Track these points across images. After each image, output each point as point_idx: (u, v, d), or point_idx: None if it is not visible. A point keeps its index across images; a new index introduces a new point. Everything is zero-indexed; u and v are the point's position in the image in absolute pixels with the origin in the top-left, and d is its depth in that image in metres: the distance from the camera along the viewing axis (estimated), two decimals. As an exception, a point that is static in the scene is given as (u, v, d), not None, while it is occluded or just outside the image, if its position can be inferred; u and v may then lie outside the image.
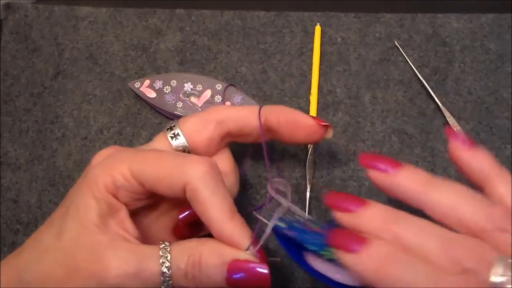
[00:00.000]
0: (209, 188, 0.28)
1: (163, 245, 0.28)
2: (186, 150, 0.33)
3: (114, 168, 0.29)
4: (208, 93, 0.41)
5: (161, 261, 0.27)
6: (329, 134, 0.34)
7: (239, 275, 0.27)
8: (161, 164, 0.29)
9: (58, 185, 0.41)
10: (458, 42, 0.44)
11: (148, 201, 0.31)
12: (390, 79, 0.43)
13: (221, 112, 0.33)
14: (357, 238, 0.25)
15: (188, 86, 0.41)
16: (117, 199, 0.29)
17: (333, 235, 0.26)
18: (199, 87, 0.41)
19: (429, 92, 0.42)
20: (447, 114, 0.41)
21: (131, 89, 0.42)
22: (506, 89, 0.42)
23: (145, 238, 0.30)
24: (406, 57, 0.43)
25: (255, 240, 0.28)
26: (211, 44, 0.44)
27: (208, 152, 0.33)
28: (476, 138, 0.41)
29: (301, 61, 0.44)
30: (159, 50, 0.44)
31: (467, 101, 0.42)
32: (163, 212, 0.33)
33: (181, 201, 0.31)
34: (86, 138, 0.42)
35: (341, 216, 0.26)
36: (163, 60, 0.44)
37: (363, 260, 0.24)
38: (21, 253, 0.30)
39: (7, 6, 0.46)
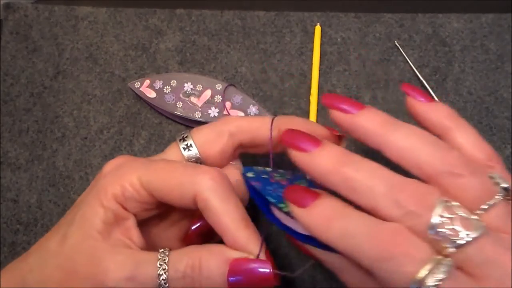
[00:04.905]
0: (219, 197, 0.28)
1: (162, 249, 0.28)
2: (198, 162, 0.32)
3: (124, 178, 0.29)
4: (208, 93, 0.41)
5: (158, 263, 0.27)
6: (343, 145, 0.33)
7: (240, 276, 0.27)
8: (171, 175, 0.29)
9: (58, 185, 0.41)
10: (458, 42, 0.44)
11: (157, 211, 0.31)
12: (390, 79, 0.43)
13: (234, 123, 0.33)
14: (309, 193, 0.26)
15: (188, 86, 0.41)
16: (126, 209, 0.29)
17: (288, 189, 0.26)
18: (199, 87, 0.41)
19: (429, 92, 0.42)
20: (447, 114, 0.41)
21: (131, 89, 0.42)
22: (506, 89, 0.42)
23: (154, 248, 0.30)
24: (406, 57, 0.43)
25: (263, 245, 0.28)
26: (211, 44, 0.44)
27: (220, 164, 0.33)
28: (476, 138, 0.41)
29: (301, 61, 0.44)
30: (159, 50, 0.44)
31: (467, 101, 0.42)
32: (173, 222, 0.33)
33: (191, 211, 0.31)
34: (86, 138, 0.42)
35: (296, 155, 0.26)
36: (163, 60, 0.44)
37: (312, 215, 0.25)
38: (26, 258, 0.30)
39: (7, 6, 0.46)
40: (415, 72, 0.43)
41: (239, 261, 0.27)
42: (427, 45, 0.44)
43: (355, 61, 0.43)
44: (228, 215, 0.28)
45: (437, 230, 0.22)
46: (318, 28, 0.44)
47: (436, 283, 0.21)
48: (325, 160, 0.25)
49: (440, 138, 0.27)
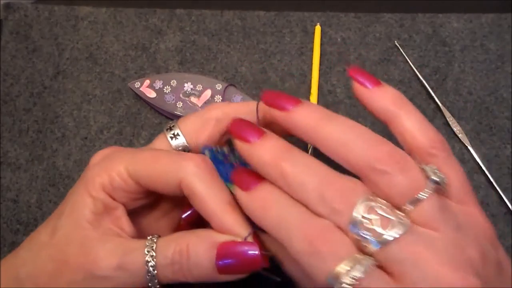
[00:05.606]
0: (204, 182, 0.28)
1: (150, 236, 0.28)
2: (186, 150, 0.33)
3: (111, 168, 0.29)
4: (208, 93, 0.41)
5: (146, 250, 0.27)
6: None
7: (229, 260, 0.27)
8: (156, 163, 0.29)
9: (58, 185, 0.41)
10: (458, 42, 0.44)
11: (146, 200, 0.31)
12: (390, 79, 0.43)
13: (220, 109, 0.33)
14: (252, 178, 0.26)
15: (188, 86, 0.41)
16: (114, 199, 0.29)
17: (236, 171, 0.27)
18: (199, 87, 0.41)
19: (429, 92, 0.42)
20: (447, 114, 0.41)
21: (131, 89, 0.42)
22: (506, 89, 0.42)
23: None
24: (406, 57, 0.43)
25: (253, 229, 0.28)
26: (211, 44, 0.44)
27: None
28: (476, 138, 0.41)
29: (301, 61, 0.44)
30: (159, 50, 0.44)
31: (467, 101, 0.42)
32: (164, 212, 0.33)
33: (182, 201, 0.31)
34: (86, 138, 0.42)
35: (239, 145, 0.27)
36: (163, 60, 0.44)
37: (252, 199, 0.26)
38: (18, 252, 0.30)
39: (7, 6, 0.46)
40: (415, 72, 0.43)
41: (227, 245, 0.27)
42: (427, 45, 0.44)
43: (355, 61, 0.43)
44: (213, 199, 0.28)
45: (358, 229, 0.23)
46: (318, 28, 0.44)
47: (353, 281, 0.22)
48: (265, 152, 0.26)
49: (388, 125, 0.27)
